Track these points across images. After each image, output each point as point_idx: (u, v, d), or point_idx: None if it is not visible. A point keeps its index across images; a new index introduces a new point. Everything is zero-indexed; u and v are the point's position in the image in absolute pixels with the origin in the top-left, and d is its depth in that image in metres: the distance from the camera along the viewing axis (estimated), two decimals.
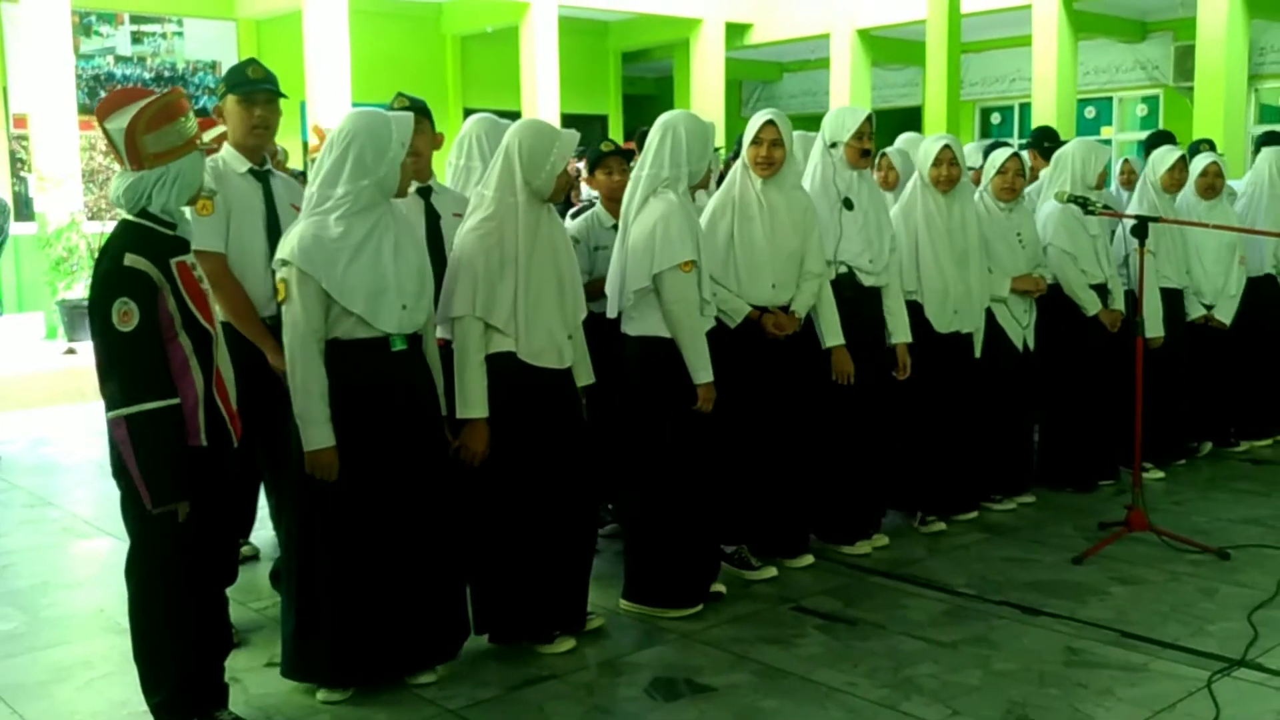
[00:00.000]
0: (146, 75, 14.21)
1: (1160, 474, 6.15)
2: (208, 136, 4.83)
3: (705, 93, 17.24)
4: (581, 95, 17.47)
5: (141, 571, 3.17)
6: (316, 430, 3.40)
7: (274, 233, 4.06)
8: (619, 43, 18.62)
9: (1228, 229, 6.10)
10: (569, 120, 15.48)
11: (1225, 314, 6.55)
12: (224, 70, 14.63)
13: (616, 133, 17.92)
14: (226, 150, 4.13)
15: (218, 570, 3.31)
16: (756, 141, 4.50)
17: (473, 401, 3.71)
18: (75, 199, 11.63)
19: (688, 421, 4.15)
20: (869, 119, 4.85)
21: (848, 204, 4.83)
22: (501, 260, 3.71)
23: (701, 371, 4.10)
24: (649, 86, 20.92)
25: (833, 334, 4.69)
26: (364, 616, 3.51)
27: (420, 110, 4.23)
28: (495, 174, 3.80)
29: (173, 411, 3.04)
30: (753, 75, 20.80)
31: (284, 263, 3.41)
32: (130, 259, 3.01)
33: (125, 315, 2.98)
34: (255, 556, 4.87)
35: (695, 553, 4.25)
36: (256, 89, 4.08)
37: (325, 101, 13.09)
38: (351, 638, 3.51)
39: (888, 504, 5.27)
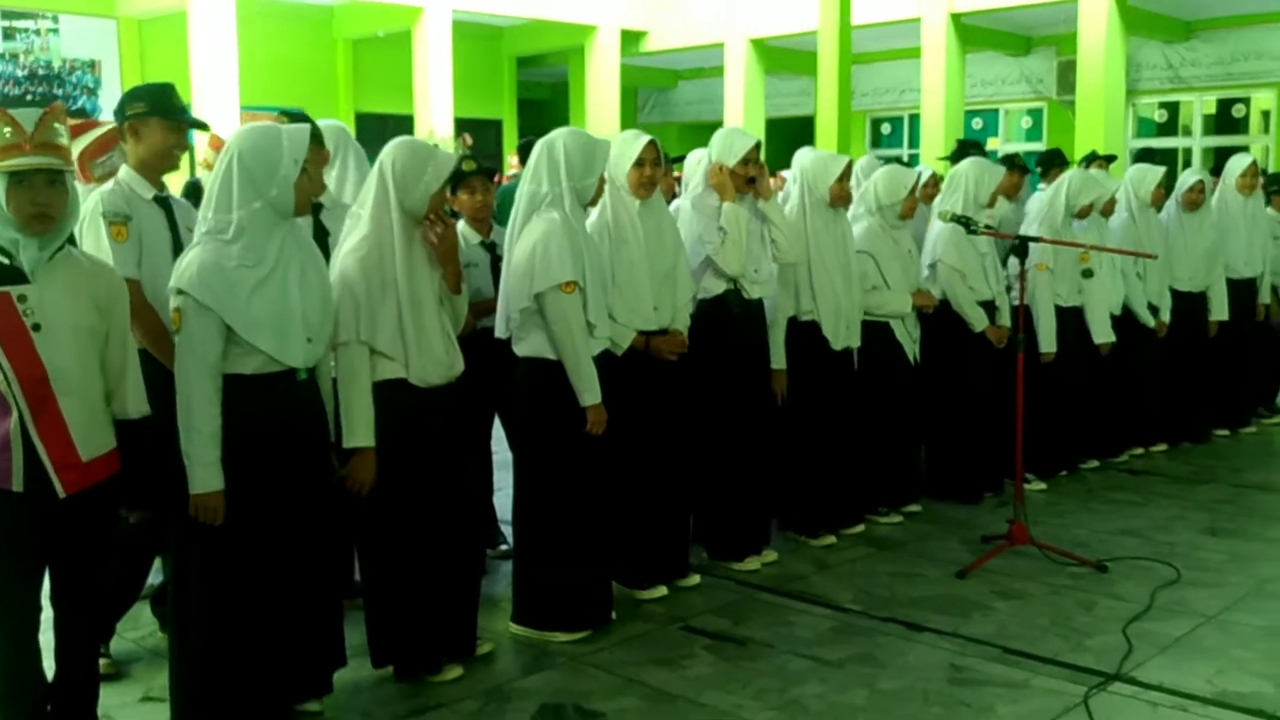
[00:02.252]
0: (20, 73, 13.71)
1: (1043, 485, 6.29)
2: (94, 134, 4.60)
3: (600, 99, 17.25)
4: (476, 100, 17.35)
5: None
6: (205, 472, 3.21)
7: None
8: (514, 48, 18.54)
9: (1103, 249, 6.22)
10: (463, 125, 15.34)
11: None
12: (103, 70, 14.23)
13: (511, 137, 17.84)
14: (128, 174, 3.87)
15: (65, 617, 3.08)
16: (639, 163, 4.40)
17: (360, 430, 3.59)
18: None
19: (576, 443, 4.11)
20: (757, 146, 4.85)
21: None
22: (382, 282, 3.62)
23: (587, 393, 4.06)
24: (544, 92, 20.87)
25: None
26: (257, 649, 3.38)
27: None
28: (370, 193, 3.70)
29: None
30: (648, 82, 20.87)
31: (179, 292, 3.22)
32: None
33: None
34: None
35: (584, 576, 4.22)
36: (184, 119, 3.94)
37: (212, 105, 12.75)
38: (246, 673, 3.38)
39: (776, 524, 5.29)
